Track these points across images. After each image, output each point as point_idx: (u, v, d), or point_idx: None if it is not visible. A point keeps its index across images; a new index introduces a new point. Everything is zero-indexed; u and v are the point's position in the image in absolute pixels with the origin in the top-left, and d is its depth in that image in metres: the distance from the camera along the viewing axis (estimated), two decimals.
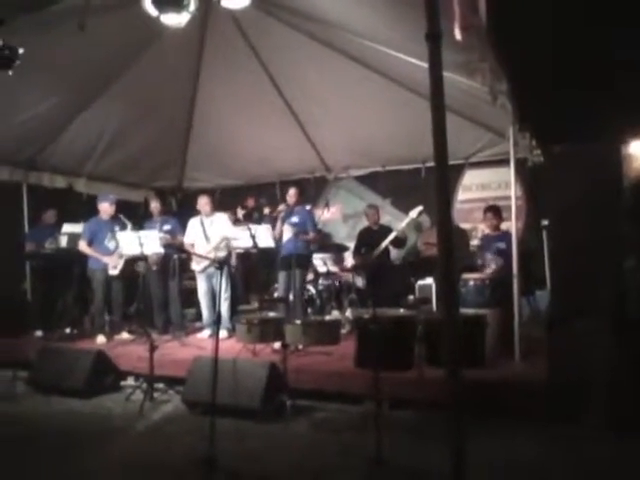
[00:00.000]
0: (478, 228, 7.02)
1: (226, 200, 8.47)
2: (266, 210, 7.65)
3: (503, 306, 4.72)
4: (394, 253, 7.05)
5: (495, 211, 5.80)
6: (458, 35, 3.07)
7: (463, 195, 7.88)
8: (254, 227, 6.11)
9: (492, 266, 5.37)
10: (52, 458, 3.56)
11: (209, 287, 6.54)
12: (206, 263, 6.34)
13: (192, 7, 3.65)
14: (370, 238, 6.86)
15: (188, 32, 4.42)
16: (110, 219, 6.63)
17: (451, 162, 2.48)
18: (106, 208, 6.65)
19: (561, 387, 3.83)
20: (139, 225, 6.68)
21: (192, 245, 6.62)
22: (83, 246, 6.54)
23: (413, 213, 6.54)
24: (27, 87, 5.50)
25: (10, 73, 4.22)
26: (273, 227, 6.36)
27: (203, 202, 6.67)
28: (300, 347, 5.14)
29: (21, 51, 4.19)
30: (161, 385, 5.00)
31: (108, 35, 5.01)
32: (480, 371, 4.06)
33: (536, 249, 6.21)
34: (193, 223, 6.70)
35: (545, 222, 6.17)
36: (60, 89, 6.00)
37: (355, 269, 6.96)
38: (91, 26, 4.12)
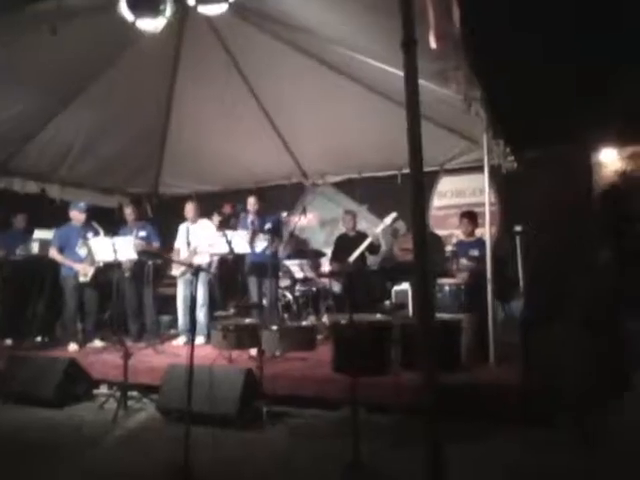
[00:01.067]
0: (453, 234, 7.10)
1: (202, 206, 8.41)
2: (242, 216, 7.62)
3: (478, 311, 4.78)
4: (370, 259, 7.08)
5: (471, 217, 5.88)
6: (433, 43, 3.12)
7: (438, 202, 7.97)
8: (230, 233, 6.08)
9: (466, 271, 5.44)
10: (23, 470, 3.48)
11: (188, 293, 6.50)
12: (185, 268, 6.32)
13: (168, 12, 3.63)
14: (347, 244, 6.88)
15: (164, 37, 4.39)
16: (82, 226, 6.53)
17: (426, 169, 2.51)
18: (76, 215, 6.57)
19: (535, 390, 3.89)
20: (113, 231, 6.58)
21: (178, 250, 6.61)
22: (53, 253, 6.43)
23: (387, 219, 6.58)
24: None
25: None
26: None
27: (188, 208, 6.76)
28: (277, 353, 5.12)
29: None
30: (135, 393, 4.92)
31: (82, 39, 4.95)
32: (455, 375, 4.10)
33: (510, 255, 6.31)
34: (181, 229, 6.73)
35: (518, 228, 6.27)
36: (33, 93, 5.89)
37: (332, 275, 6.97)
38: (65, 30, 4.08)
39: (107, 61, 5.88)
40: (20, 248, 6.87)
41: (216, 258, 6.70)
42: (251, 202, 6.49)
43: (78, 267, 6.37)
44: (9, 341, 6.70)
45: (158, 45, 5.31)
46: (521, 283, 6.24)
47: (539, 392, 3.89)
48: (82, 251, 6.41)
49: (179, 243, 6.71)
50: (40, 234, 6.90)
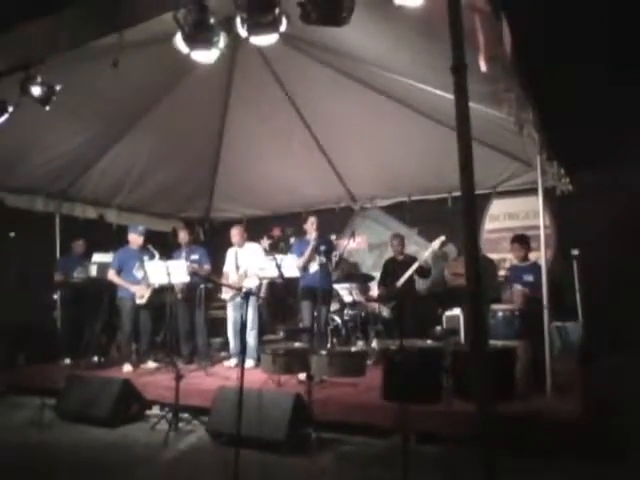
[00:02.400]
0: (506, 258, 6.92)
1: (252, 230, 8.55)
2: (292, 240, 7.69)
3: (533, 338, 4.61)
4: (420, 283, 6.98)
5: (522, 241, 5.70)
6: (483, 67, 3.09)
7: (490, 225, 7.81)
8: (280, 257, 6.13)
9: (520, 297, 5.27)
10: None
11: (238, 316, 6.55)
12: (234, 292, 6.40)
13: (222, 44, 3.75)
14: (395, 268, 6.81)
15: (217, 67, 4.53)
16: (139, 249, 6.74)
17: (478, 191, 2.47)
18: (135, 239, 6.78)
19: (595, 424, 3.70)
20: (167, 255, 6.76)
21: (227, 274, 6.71)
22: (112, 275, 6.65)
23: (436, 243, 6.50)
24: (62, 121, 5.71)
25: (47, 108, 4.39)
26: (298, 255, 6.35)
27: (234, 233, 6.80)
28: (325, 378, 5.09)
29: (58, 88, 4.37)
30: (186, 415, 4.98)
31: (140, 71, 5.18)
32: (510, 404, 3.96)
33: (566, 279, 6.09)
34: (229, 253, 6.83)
35: (575, 252, 6.05)
36: (93, 123, 6.20)
37: (381, 299, 6.90)
38: (123, 62, 4.27)
39: (163, 91, 6.13)
40: (78, 271, 7.13)
41: (265, 282, 6.74)
42: (312, 221, 6.45)
43: (135, 289, 6.55)
44: (68, 361, 6.93)
45: (211, 74, 5.50)
46: (579, 308, 6.00)
47: (598, 424, 3.70)
48: (139, 274, 6.60)
49: (228, 267, 6.80)
50: (98, 257, 7.14)
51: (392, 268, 6.90)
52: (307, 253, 6.22)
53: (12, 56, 3.99)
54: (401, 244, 7.00)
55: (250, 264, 6.60)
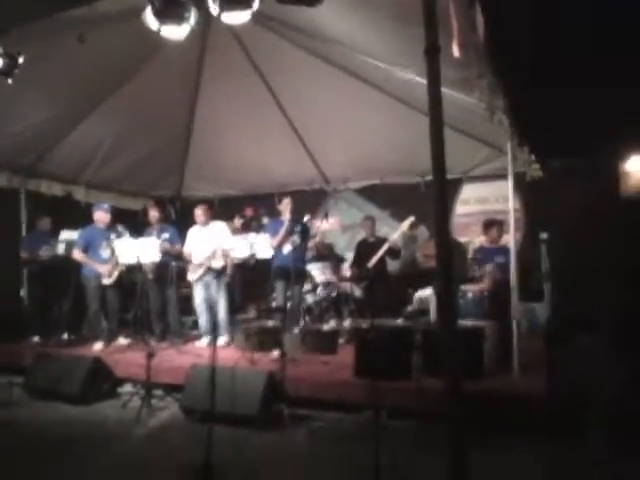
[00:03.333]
0: (475, 241, 7.06)
1: (225, 210, 8.50)
2: (265, 220, 7.68)
3: (501, 318, 4.75)
4: (391, 264, 7.09)
5: (499, 225, 5.84)
6: (456, 52, 3.13)
7: (461, 209, 7.94)
8: (253, 236, 6.12)
9: (490, 278, 5.40)
10: (48, 465, 3.56)
11: (206, 296, 6.53)
12: (201, 272, 6.38)
13: (192, 20, 3.69)
14: (366, 249, 6.90)
15: (188, 45, 4.47)
16: (106, 228, 6.63)
17: (449, 176, 2.52)
18: (102, 216, 6.64)
19: (561, 402, 3.85)
20: (138, 233, 6.69)
21: (189, 254, 6.66)
22: (77, 254, 6.52)
23: (404, 225, 6.60)
24: (27, 95, 5.54)
25: (10, 81, 4.27)
26: (272, 236, 6.36)
27: (199, 213, 6.71)
28: (298, 356, 5.16)
29: (21, 60, 4.24)
30: (159, 392, 4.99)
31: (108, 47, 5.06)
32: (478, 382, 4.09)
33: (534, 262, 6.25)
34: (192, 232, 6.74)
35: (544, 235, 6.22)
36: (62, 97, 6.05)
37: (353, 279, 6.99)
38: (91, 37, 4.19)
39: (132, 68, 6.01)
40: (44, 249, 7.00)
41: (230, 261, 6.71)
42: (286, 202, 6.43)
43: (102, 269, 6.46)
44: (37, 338, 6.84)
45: (182, 53, 5.42)
46: (545, 291, 6.18)
47: (564, 403, 3.85)
48: (105, 253, 6.50)
49: (188, 247, 6.71)
50: (66, 235, 7.03)
51: (364, 249, 6.99)
52: (281, 234, 6.23)
53: None
54: (372, 226, 7.09)
55: (220, 243, 6.55)
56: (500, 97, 4.14)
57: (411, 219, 6.59)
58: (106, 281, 6.47)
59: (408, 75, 4.80)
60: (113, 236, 6.44)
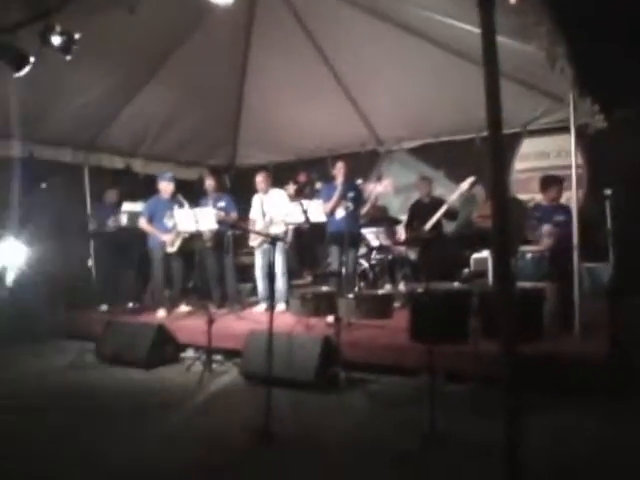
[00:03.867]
0: (538, 199, 6.78)
1: (278, 176, 8.53)
2: (317, 185, 7.65)
3: (563, 279, 4.57)
4: (447, 226, 6.93)
5: (559, 183, 5.54)
6: None
7: (520, 164, 7.63)
8: (306, 202, 6.13)
9: (549, 238, 5.19)
10: (116, 426, 3.75)
11: (265, 262, 6.64)
12: (262, 239, 6.48)
13: None
14: (422, 211, 6.76)
15: (237, 9, 4.42)
16: (169, 198, 6.82)
17: (507, 131, 2.40)
18: (165, 186, 6.86)
19: (623, 362, 3.70)
20: (194, 203, 6.83)
21: (253, 221, 6.78)
22: (143, 223, 6.79)
23: (464, 184, 6.37)
24: (83, 71, 5.67)
25: (68, 58, 4.38)
26: (325, 201, 6.35)
27: (259, 180, 6.80)
28: (353, 321, 5.17)
29: (77, 36, 4.33)
30: (219, 357, 5.16)
31: (158, 16, 5.09)
32: (538, 345, 3.99)
33: (598, 220, 5.95)
34: (255, 200, 6.86)
35: (608, 191, 5.88)
36: (114, 72, 6.17)
37: (407, 243, 6.89)
38: (141, 8, 4.20)
39: (182, 36, 6.03)
40: (111, 220, 7.28)
41: (292, 227, 6.78)
42: (339, 166, 6.38)
43: (165, 237, 6.68)
44: (105, 307, 7.19)
45: (231, 17, 5.37)
46: (610, 249, 5.89)
47: (627, 364, 3.70)
48: (170, 222, 6.70)
49: (254, 214, 6.85)
50: (128, 207, 7.26)
51: (419, 211, 6.85)
52: (334, 199, 6.20)
53: (30, 5, 3.95)
54: (428, 186, 6.91)
55: (276, 211, 6.63)
56: (561, 44, 3.88)
57: (471, 179, 6.37)
58: (170, 249, 6.69)
59: (463, 26, 4.58)
60: (176, 206, 6.61)
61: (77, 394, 4.58)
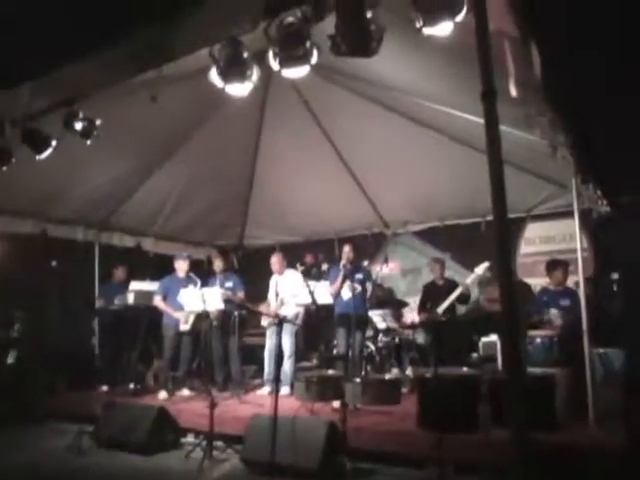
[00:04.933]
0: (543, 283, 6.77)
1: (285, 257, 8.61)
2: (324, 266, 7.71)
3: (573, 365, 4.47)
4: (459, 309, 6.87)
5: (564, 267, 5.57)
6: (513, 91, 3.09)
7: (526, 248, 7.69)
8: (313, 284, 6.15)
9: (558, 323, 5.14)
10: None
11: (275, 343, 6.57)
12: (270, 320, 6.47)
13: (255, 77, 3.85)
14: (435, 293, 6.73)
15: (250, 99, 4.65)
16: (184, 276, 6.88)
17: (512, 215, 2.45)
18: (181, 265, 6.94)
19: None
20: (202, 282, 6.87)
21: (269, 302, 6.85)
22: (157, 301, 6.82)
23: (479, 269, 6.36)
24: (101, 154, 5.89)
25: (88, 142, 4.57)
26: (330, 283, 6.38)
27: (274, 261, 6.90)
28: (359, 406, 5.02)
29: (98, 122, 4.55)
30: (220, 443, 4.98)
31: (176, 104, 5.34)
32: (551, 435, 3.84)
33: (605, 304, 5.90)
34: (271, 281, 6.95)
35: (615, 275, 5.88)
36: (131, 155, 6.42)
37: (421, 325, 6.81)
38: (161, 95, 4.43)
39: (198, 123, 6.31)
40: (118, 298, 7.28)
41: (302, 309, 6.77)
42: (346, 250, 6.47)
43: (179, 315, 6.66)
44: (105, 387, 7.04)
45: (244, 106, 5.63)
46: (620, 336, 5.79)
47: None
48: (182, 300, 6.70)
49: (270, 295, 6.88)
50: (135, 285, 7.29)
51: (432, 293, 6.81)
52: (338, 280, 6.24)
53: (56, 94, 4.18)
54: (441, 268, 6.90)
55: (288, 292, 6.66)
56: (562, 133, 4.03)
57: (486, 264, 6.36)
58: (183, 327, 6.66)
59: (466, 116, 4.78)
60: (191, 285, 6.64)
61: (74, 478, 4.40)
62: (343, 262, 6.30)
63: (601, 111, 6.03)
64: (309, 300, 5.98)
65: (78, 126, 4.44)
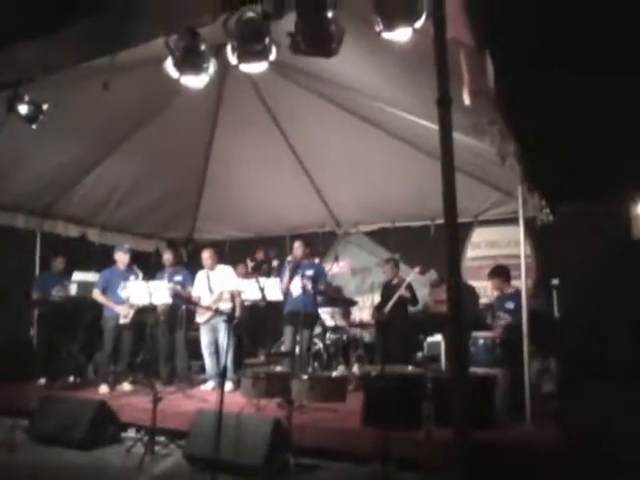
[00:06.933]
0: (487, 286, 6.99)
1: (236, 252, 8.54)
2: (275, 263, 7.70)
3: (513, 366, 4.64)
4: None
5: (500, 273, 5.77)
6: (467, 100, 3.17)
7: (472, 252, 7.91)
8: (263, 280, 6.13)
9: (502, 324, 5.32)
10: None
11: (212, 339, 6.51)
12: (209, 315, 6.37)
13: (211, 70, 3.80)
14: (388, 292, 6.84)
15: (206, 91, 4.59)
16: (125, 269, 6.69)
17: (460, 220, 2.53)
18: (121, 257, 6.73)
19: (574, 453, 3.71)
20: (150, 275, 6.72)
21: (199, 298, 6.66)
22: (97, 294, 6.60)
23: (411, 275, 6.59)
24: (47, 140, 5.68)
25: (34, 127, 4.39)
26: (280, 279, 6.37)
27: (206, 256, 6.75)
28: (305, 403, 5.05)
29: (45, 107, 4.37)
30: (162, 438, 4.89)
31: (129, 92, 5.20)
32: (490, 432, 3.97)
33: (546, 308, 6.15)
34: (199, 276, 6.77)
35: (555, 281, 6.13)
36: (80, 142, 6.21)
37: (363, 325, 6.91)
38: (113, 83, 4.31)
39: (151, 112, 6.16)
40: (57, 289, 7.03)
41: (239, 303, 6.70)
42: (295, 246, 6.47)
43: (119, 309, 6.49)
44: (43, 380, 6.79)
45: (200, 98, 5.55)
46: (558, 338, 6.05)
47: (578, 454, 3.71)
48: (124, 293, 6.53)
49: (199, 290, 6.73)
50: (79, 276, 7.07)
51: (386, 292, 6.92)
52: (286, 276, 6.24)
53: (2, 74, 4.00)
54: (393, 268, 7.02)
55: (224, 286, 6.57)
56: (511, 143, 4.17)
57: (416, 270, 6.61)
58: (122, 320, 6.49)
59: (419, 121, 4.88)
60: (132, 277, 6.47)
61: (4, 475, 4.22)
62: (289, 258, 6.31)
63: (549, 122, 6.27)
64: (258, 296, 5.97)
65: (23, 110, 4.26)
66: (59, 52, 3.71)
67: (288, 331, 6.26)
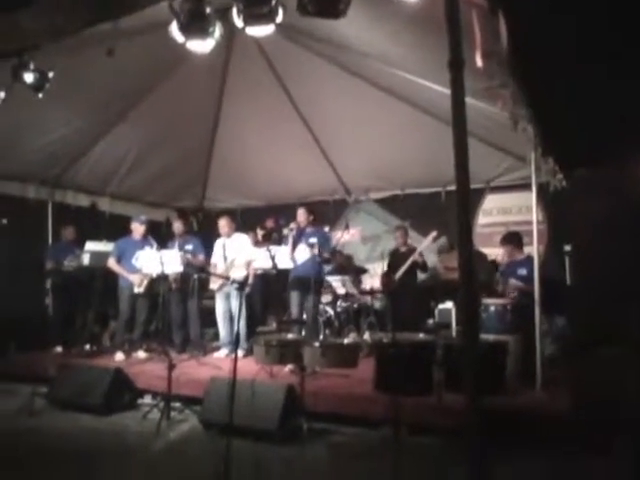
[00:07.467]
0: (498, 253, 6.95)
1: (247, 221, 8.53)
2: (285, 231, 7.69)
3: (524, 332, 4.64)
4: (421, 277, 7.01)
5: (512, 240, 5.71)
6: (479, 62, 3.09)
7: (484, 219, 7.84)
8: (274, 248, 6.14)
9: (515, 291, 5.30)
10: (67, 475, 3.56)
11: (226, 307, 6.58)
12: (221, 282, 6.42)
13: (217, 34, 3.73)
14: (397, 259, 6.83)
15: (213, 56, 4.51)
16: (141, 239, 6.73)
17: (472, 186, 2.48)
18: (137, 228, 6.77)
19: (585, 418, 3.74)
20: (161, 244, 6.75)
21: (215, 265, 6.71)
22: (112, 263, 6.66)
23: (427, 240, 6.53)
24: (55, 108, 5.65)
25: (40, 96, 4.36)
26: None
27: (222, 224, 6.78)
28: (318, 369, 5.11)
29: (51, 74, 4.33)
30: (178, 404, 4.99)
31: (135, 59, 5.14)
32: (500, 398, 4.00)
33: (558, 274, 6.11)
34: (217, 244, 6.83)
35: (567, 247, 6.07)
36: (87, 110, 6.17)
37: (373, 292, 6.92)
38: (118, 50, 4.25)
39: (157, 79, 6.09)
40: (69, 259, 7.09)
41: (252, 271, 6.73)
42: (299, 213, 6.46)
43: (133, 278, 6.55)
44: (59, 348, 6.92)
45: (207, 63, 5.46)
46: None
47: (589, 419, 3.73)
48: (138, 263, 6.58)
49: (216, 258, 6.79)
50: (91, 246, 7.11)
51: (395, 259, 6.93)
52: (290, 243, 6.23)
53: (5, 42, 3.94)
54: (404, 235, 7.01)
55: (238, 254, 6.60)
56: (524, 106, 4.07)
57: (433, 234, 6.53)
58: (137, 289, 6.56)
59: (431, 85, 4.78)
60: (147, 248, 6.51)
61: (25, 441, 4.34)
62: (291, 225, 6.30)
63: (566, 84, 6.11)
64: (269, 264, 5.98)
65: (29, 78, 4.22)
66: (62, 18, 3.63)
67: (294, 297, 6.27)
